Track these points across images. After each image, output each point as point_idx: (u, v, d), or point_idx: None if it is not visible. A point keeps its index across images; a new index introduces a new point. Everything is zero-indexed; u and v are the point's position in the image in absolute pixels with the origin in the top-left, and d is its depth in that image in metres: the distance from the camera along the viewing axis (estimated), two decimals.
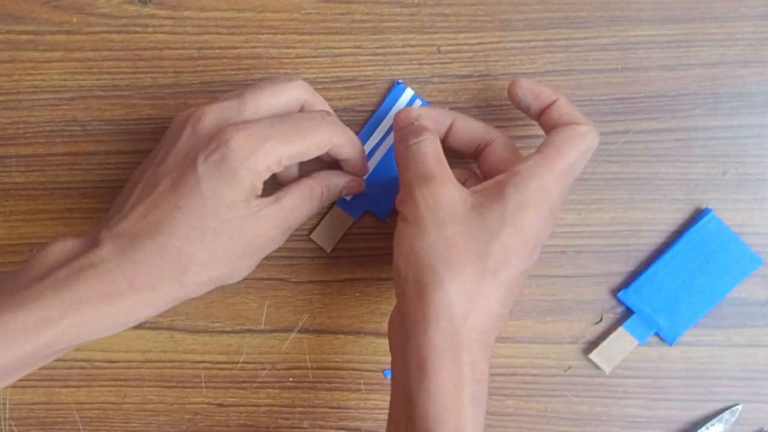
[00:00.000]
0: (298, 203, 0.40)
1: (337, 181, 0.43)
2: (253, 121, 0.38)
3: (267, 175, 0.38)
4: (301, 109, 0.41)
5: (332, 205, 0.47)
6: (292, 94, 0.40)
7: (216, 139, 0.37)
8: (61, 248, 0.38)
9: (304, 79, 0.41)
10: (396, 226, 0.40)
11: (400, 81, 0.46)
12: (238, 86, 0.46)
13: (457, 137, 0.43)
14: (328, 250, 0.47)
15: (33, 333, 0.35)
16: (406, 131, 0.41)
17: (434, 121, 0.42)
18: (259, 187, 0.38)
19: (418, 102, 0.46)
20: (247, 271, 0.41)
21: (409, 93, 0.46)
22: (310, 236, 0.47)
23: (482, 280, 0.37)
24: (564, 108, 0.40)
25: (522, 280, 0.39)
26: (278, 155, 0.37)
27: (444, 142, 0.43)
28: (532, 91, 0.41)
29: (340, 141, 0.40)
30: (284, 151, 0.38)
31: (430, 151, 0.39)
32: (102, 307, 0.37)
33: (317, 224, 0.47)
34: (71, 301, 0.36)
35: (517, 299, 0.40)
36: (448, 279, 0.37)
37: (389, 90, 0.46)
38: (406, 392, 0.37)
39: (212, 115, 0.38)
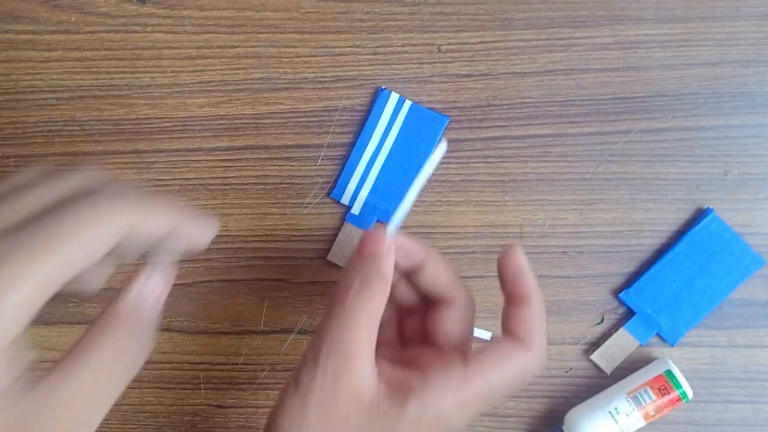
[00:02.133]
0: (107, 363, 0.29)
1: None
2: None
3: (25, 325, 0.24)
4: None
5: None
6: (100, 231, 0.27)
7: None
8: None
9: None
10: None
11: (383, 87, 0.46)
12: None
13: (421, 280, 0.37)
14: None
15: None
16: (362, 270, 0.34)
17: (405, 256, 0.36)
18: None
19: (407, 103, 0.46)
20: None
21: (395, 97, 0.46)
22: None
23: None
24: (529, 319, 0.34)
25: None
26: (32, 285, 0.24)
27: (409, 276, 0.38)
28: (516, 272, 0.35)
29: (137, 217, 0.28)
30: (40, 275, 0.24)
31: (369, 312, 0.33)
32: None
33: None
34: None
35: None
36: None
37: (376, 97, 0.46)
38: None
39: None
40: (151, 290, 0.31)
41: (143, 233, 0.29)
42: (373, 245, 0.35)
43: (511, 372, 0.34)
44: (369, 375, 0.33)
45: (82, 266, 0.26)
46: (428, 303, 0.38)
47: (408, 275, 0.38)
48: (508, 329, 0.35)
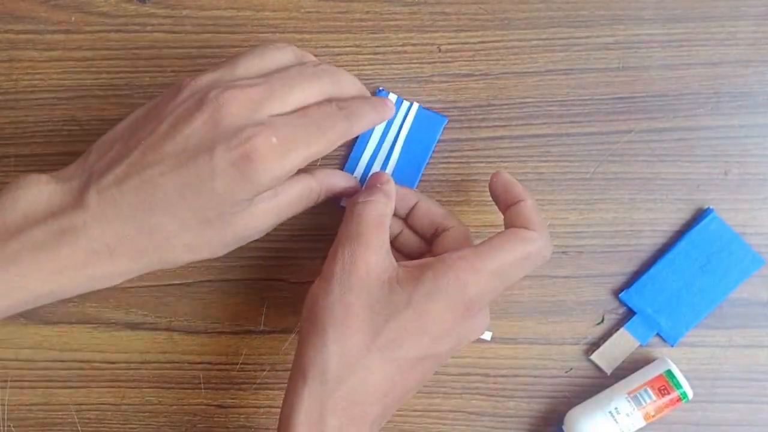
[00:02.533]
0: (295, 201, 0.40)
1: (336, 183, 0.43)
2: (276, 124, 0.36)
3: (286, 178, 0.37)
4: None
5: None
6: (280, 57, 0.39)
7: (240, 137, 0.35)
8: (36, 196, 0.36)
9: None
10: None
11: (381, 88, 0.46)
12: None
13: (417, 218, 0.43)
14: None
15: (7, 296, 0.35)
16: (363, 189, 0.41)
17: (400, 199, 0.42)
18: (263, 191, 0.37)
19: (406, 104, 0.46)
20: (223, 253, 0.39)
21: (393, 97, 0.46)
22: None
23: (368, 352, 0.36)
24: (525, 211, 0.39)
25: (424, 366, 0.38)
26: (300, 161, 0.36)
27: (405, 220, 0.43)
28: (505, 185, 0.41)
29: (359, 131, 0.40)
30: (306, 155, 0.37)
31: (373, 214, 0.39)
32: (80, 274, 0.36)
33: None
34: (51, 271, 0.35)
35: (424, 381, 0.39)
36: (333, 341, 0.37)
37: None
38: None
39: (236, 104, 0.35)
40: (345, 191, 0.44)
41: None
42: (374, 178, 0.42)
43: (520, 249, 0.38)
44: (385, 258, 0.38)
45: (320, 156, 0.38)
46: (428, 240, 0.43)
47: (407, 221, 0.43)
48: (510, 225, 0.39)
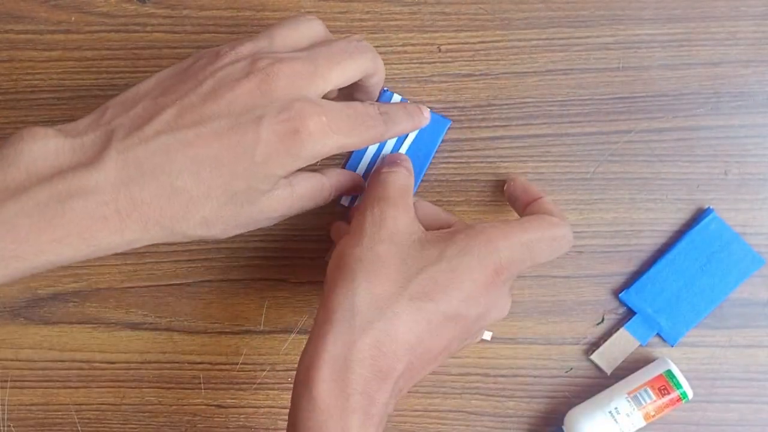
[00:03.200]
0: (308, 195, 0.40)
1: (344, 182, 0.43)
2: (326, 106, 0.36)
3: (316, 161, 0.37)
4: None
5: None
6: (311, 30, 0.39)
7: (290, 111, 0.35)
8: (41, 150, 0.32)
9: None
10: None
11: (386, 89, 0.46)
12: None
13: (418, 217, 0.41)
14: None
15: (1, 267, 0.32)
16: (383, 161, 0.43)
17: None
18: (291, 172, 0.37)
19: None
20: (231, 235, 0.38)
21: (397, 98, 0.46)
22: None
23: (398, 299, 0.35)
24: (546, 204, 0.41)
25: (452, 330, 0.37)
26: (337, 147, 0.37)
27: None
28: (524, 186, 0.43)
29: (389, 137, 0.42)
30: (343, 144, 0.37)
31: (399, 182, 0.40)
32: (83, 243, 0.33)
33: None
34: (50, 239, 0.32)
35: (448, 352, 0.38)
36: (363, 286, 0.35)
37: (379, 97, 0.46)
38: (294, 398, 0.35)
39: (284, 78, 0.35)
40: (353, 188, 0.44)
41: (372, 78, 0.40)
42: (395, 156, 0.43)
43: (549, 229, 0.38)
44: (413, 221, 0.39)
45: (352, 149, 0.39)
46: None
47: None
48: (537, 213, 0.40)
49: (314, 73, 0.36)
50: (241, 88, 0.35)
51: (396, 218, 0.38)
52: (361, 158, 0.46)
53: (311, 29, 0.39)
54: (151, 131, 0.34)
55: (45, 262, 0.33)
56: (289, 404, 0.36)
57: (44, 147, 0.33)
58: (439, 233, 0.38)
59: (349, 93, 0.43)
